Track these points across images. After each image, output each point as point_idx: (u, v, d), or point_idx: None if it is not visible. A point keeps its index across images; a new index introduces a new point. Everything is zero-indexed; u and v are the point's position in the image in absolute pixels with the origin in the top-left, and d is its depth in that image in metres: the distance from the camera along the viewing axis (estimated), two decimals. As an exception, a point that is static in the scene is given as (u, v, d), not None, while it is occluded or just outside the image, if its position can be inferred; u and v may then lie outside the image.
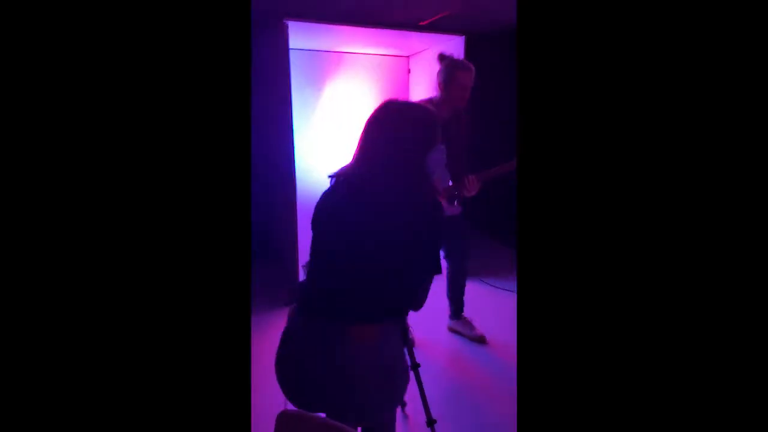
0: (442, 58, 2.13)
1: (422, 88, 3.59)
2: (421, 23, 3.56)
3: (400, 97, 1.22)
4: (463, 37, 3.05)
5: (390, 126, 1.11)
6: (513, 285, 3.29)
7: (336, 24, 2.86)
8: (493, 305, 2.97)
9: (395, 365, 1.06)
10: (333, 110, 3.64)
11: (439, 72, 2.11)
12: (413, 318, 2.57)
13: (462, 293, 2.51)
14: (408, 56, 3.80)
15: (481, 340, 2.46)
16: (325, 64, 3.56)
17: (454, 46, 3.11)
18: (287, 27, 2.61)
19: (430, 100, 2.13)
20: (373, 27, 2.98)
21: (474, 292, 3.13)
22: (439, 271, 1.08)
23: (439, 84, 2.10)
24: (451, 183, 2.21)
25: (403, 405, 1.87)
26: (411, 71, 3.80)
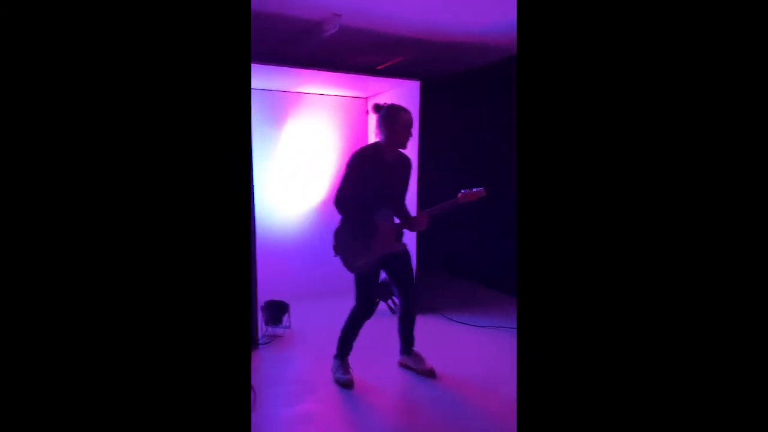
0: (377, 108, 2.26)
1: (380, 128, 3.72)
2: (378, 68, 3.73)
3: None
4: (419, 82, 3.22)
5: None
6: (470, 318, 3.36)
7: (297, 67, 2.96)
8: (450, 338, 3.01)
9: None
10: (293, 147, 3.70)
11: (382, 117, 2.23)
12: (358, 357, 2.56)
13: (412, 329, 2.54)
14: (366, 98, 3.94)
15: (430, 374, 2.48)
16: (286, 103, 3.64)
17: (410, 89, 3.27)
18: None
19: (377, 144, 2.28)
20: (332, 71, 3.10)
21: (433, 326, 3.17)
22: None
23: (384, 128, 2.22)
24: (397, 221, 2.30)
25: None
26: (369, 112, 3.94)
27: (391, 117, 2.20)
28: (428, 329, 2.85)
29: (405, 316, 2.50)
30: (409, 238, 3.04)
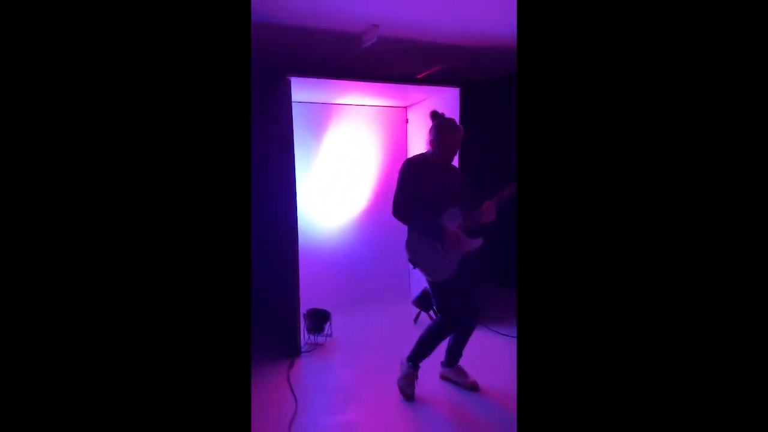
0: (434, 115, 2.25)
1: (420, 137, 3.71)
2: (418, 77, 3.74)
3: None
4: (458, 89, 3.19)
5: None
6: (509, 328, 3.26)
7: (336, 79, 3.02)
8: (493, 351, 2.93)
9: None
10: (333, 158, 3.76)
11: (431, 130, 2.24)
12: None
13: (465, 344, 2.46)
14: (406, 107, 3.95)
15: (473, 388, 2.40)
16: (326, 115, 3.71)
17: (449, 96, 3.25)
18: (290, 82, 2.75)
19: (423, 154, 2.28)
20: (371, 81, 3.13)
21: (477, 338, 3.09)
22: None
23: (431, 141, 2.24)
24: (461, 220, 2.23)
25: None
26: (408, 121, 3.95)
27: (441, 130, 2.21)
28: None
29: (462, 334, 2.39)
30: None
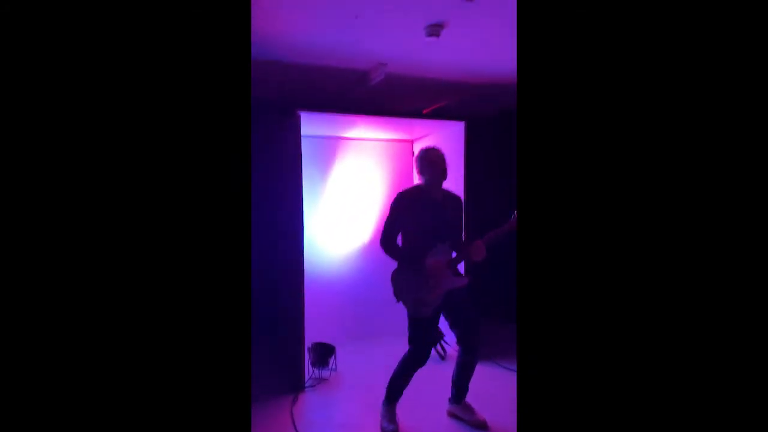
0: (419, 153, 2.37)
1: (426, 169, 3.75)
2: (424, 111, 3.82)
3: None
4: (464, 123, 3.25)
5: None
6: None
7: (344, 114, 3.09)
8: (502, 387, 2.86)
9: None
10: (341, 190, 3.80)
11: (415, 161, 2.34)
12: (406, 404, 2.45)
13: (469, 379, 2.40)
14: (412, 140, 4.02)
15: (482, 426, 2.33)
16: (334, 148, 3.78)
17: (455, 130, 3.30)
18: (299, 116, 2.82)
19: (418, 185, 2.36)
20: (378, 116, 3.20)
21: (486, 374, 3.03)
22: None
23: (417, 172, 2.32)
24: (454, 254, 2.24)
25: None
26: (415, 154, 4.00)
27: (421, 156, 2.30)
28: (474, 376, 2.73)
29: (464, 364, 2.35)
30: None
